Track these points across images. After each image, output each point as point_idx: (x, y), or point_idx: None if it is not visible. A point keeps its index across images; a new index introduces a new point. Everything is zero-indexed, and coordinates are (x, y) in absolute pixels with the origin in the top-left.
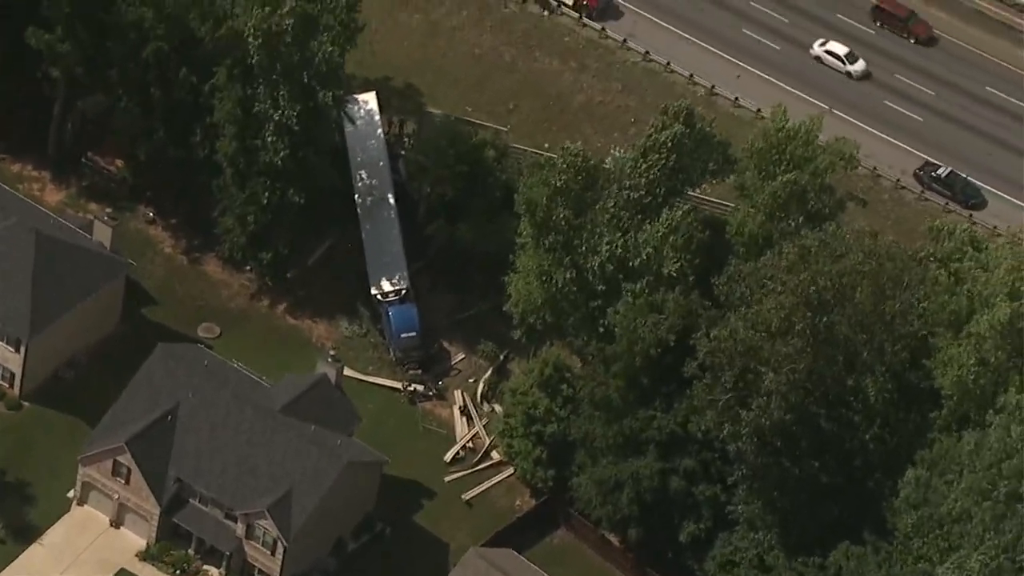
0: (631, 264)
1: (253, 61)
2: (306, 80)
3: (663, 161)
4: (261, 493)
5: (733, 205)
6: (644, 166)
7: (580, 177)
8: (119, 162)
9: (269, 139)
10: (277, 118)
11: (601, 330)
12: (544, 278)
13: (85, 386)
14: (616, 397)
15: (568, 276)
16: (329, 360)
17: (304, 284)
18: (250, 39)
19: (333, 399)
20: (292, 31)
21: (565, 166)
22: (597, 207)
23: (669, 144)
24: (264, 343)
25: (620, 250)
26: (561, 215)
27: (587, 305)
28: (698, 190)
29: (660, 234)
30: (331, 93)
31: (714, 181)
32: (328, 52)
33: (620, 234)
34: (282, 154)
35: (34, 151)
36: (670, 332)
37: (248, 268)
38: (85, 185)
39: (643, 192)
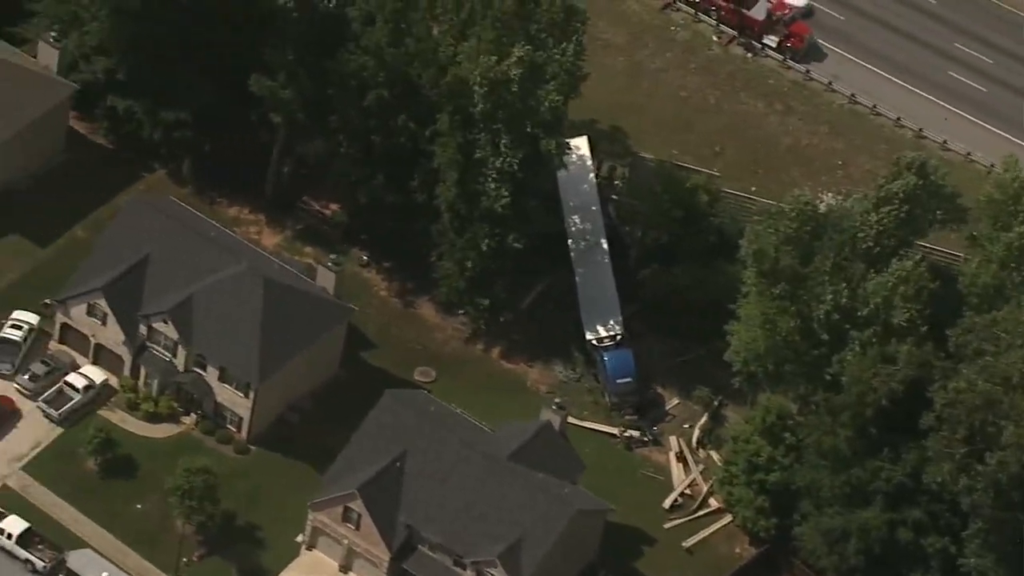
0: (858, 314)
1: (477, 108)
2: (529, 128)
3: (895, 213)
4: (491, 541)
5: (963, 255)
6: (875, 218)
7: (808, 226)
8: (334, 206)
9: (491, 185)
10: (499, 164)
11: (827, 379)
12: (768, 326)
13: (309, 430)
14: (844, 446)
15: (792, 324)
16: (553, 408)
17: (518, 328)
18: (475, 87)
19: (557, 446)
20: (519, 80)
21: (794, 214)
22: (821, 256)
23: (901, 195)
24: (480, 387)
25: (845, 299)
26: (788, 264)
27: (810, 353)
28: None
29: (890, 284)
30: (554, 141)
31: (942, 231)
32: (554, 100)
33: (845, 283)
34: (504, 200)
35: (250, 194)
36: (902, 383)
37: (462, 312)
38: (300, 228)
39: (872, 244)
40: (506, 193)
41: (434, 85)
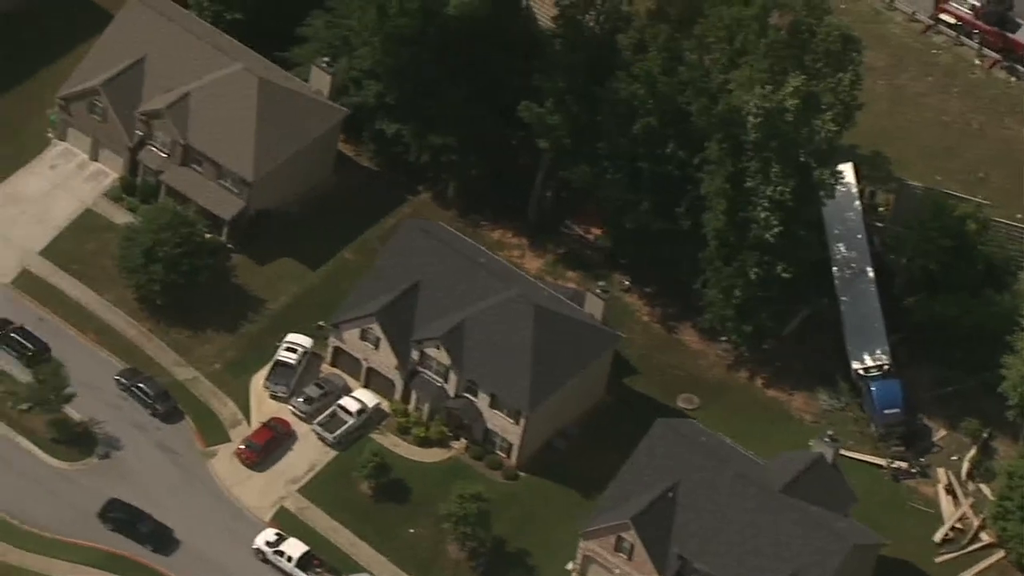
0: None
1: (749, 137)
2: (801, 157)
3: None
4: (765, 574)
5: None
6: None
7: None
8: (596, 230)
9: (761, 214)
10: (770, 193)
11: None
12: None
13: (576, 457)
14: None
15: None
16: (826, 440)
17: (780, 355)
18: (749, 116)
19: (830, 479)
20: (794, 110)
21: None
22: None
23: None
24: (744, 415)
25: None
26: None
27: None
28: None
29: None
30: (828, 171)
31: None
32: (829, 131)
33: None
34: (775, 230)
35: (513, 218)
36: None
37: (724, 338)
38: (562, 252)
39: None
40: (776, 222)
41: (705, 113)
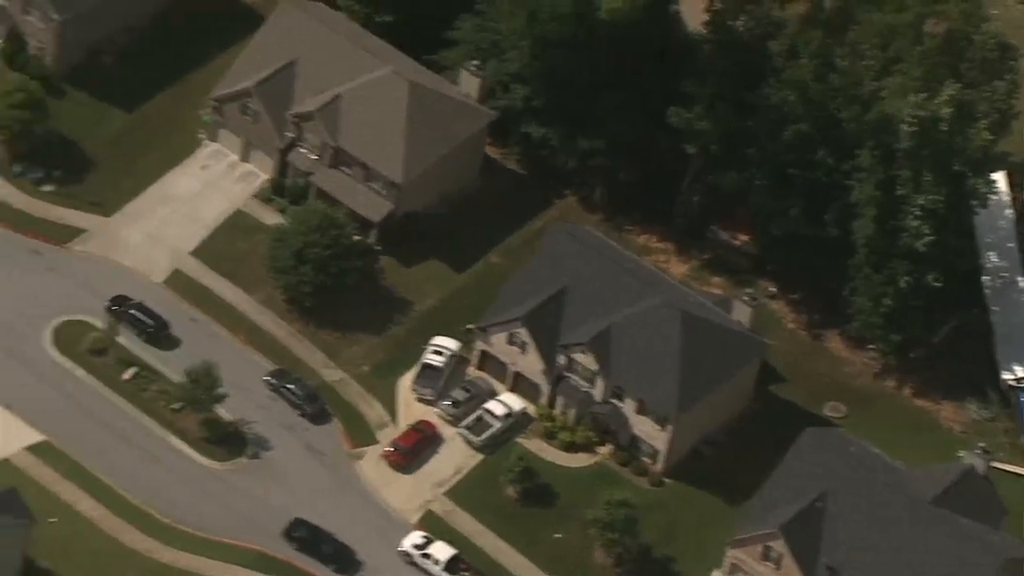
0: None
1: (902, 145)
2: (955, 166)
3: None
4: None
5: None
6: None
7: None
8: (743, 236)
9: (912, 222)
10: (922, 202)
11: None
12: None
13: (722, 464)
14: None
15: None
16: (978, 452)
17: (929, 364)
18: (903, 124)
19: (981, 491)
20: (949, 118)
21: None
22: None
23: None
24: (891, 424)
25: None
26: None
27: None
28: None
29: None
30: (982, 180)
31: None
32: (985, 139)
33: None
34: (926, 239)
35: (659, 222)
36: None
37: (872, 346)
38: (708, 258)
39: None
40: (928, 231)
41: (857, 121)
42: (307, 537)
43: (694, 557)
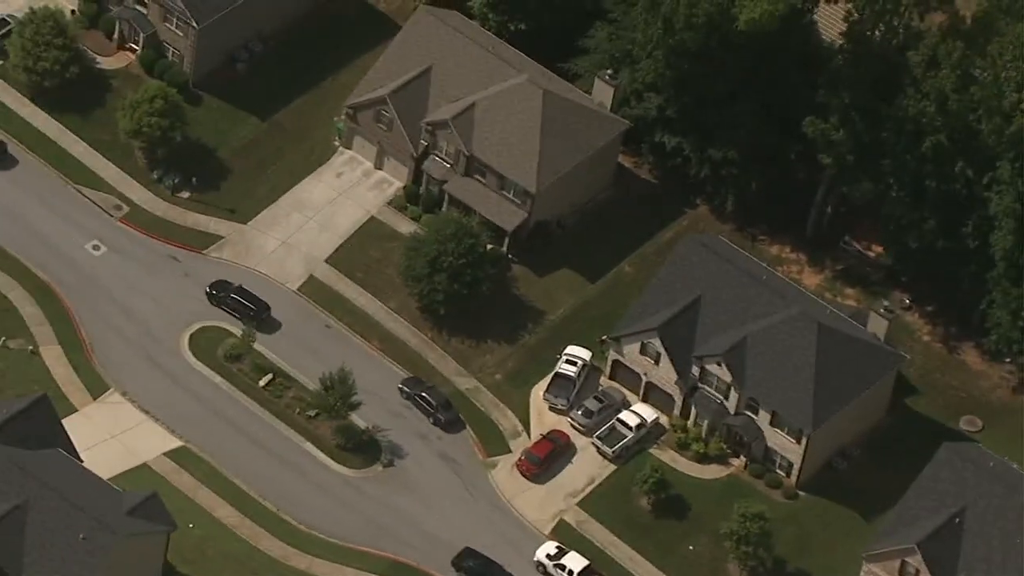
0: None
1: None
2: None
3: None
4: None
5: None
6: None
7: None
8: (877, 247)
9: None
10: None
11: None
12: None
13: (857, 477)
14: None
15: None
16: None
17: None
18: None
19: None
20: None
21: None
22: None
23: None
24: None
25: None
26: None
27: None
28: None
29: None
30: None
31: None
32: None
33: None
34: None
35: (791, 233)
36: None
37: (1008, 360)
38: (841, 269)
39: None
40: None
41: (997, 133)
42: (476, 567)
43: (828, 571)
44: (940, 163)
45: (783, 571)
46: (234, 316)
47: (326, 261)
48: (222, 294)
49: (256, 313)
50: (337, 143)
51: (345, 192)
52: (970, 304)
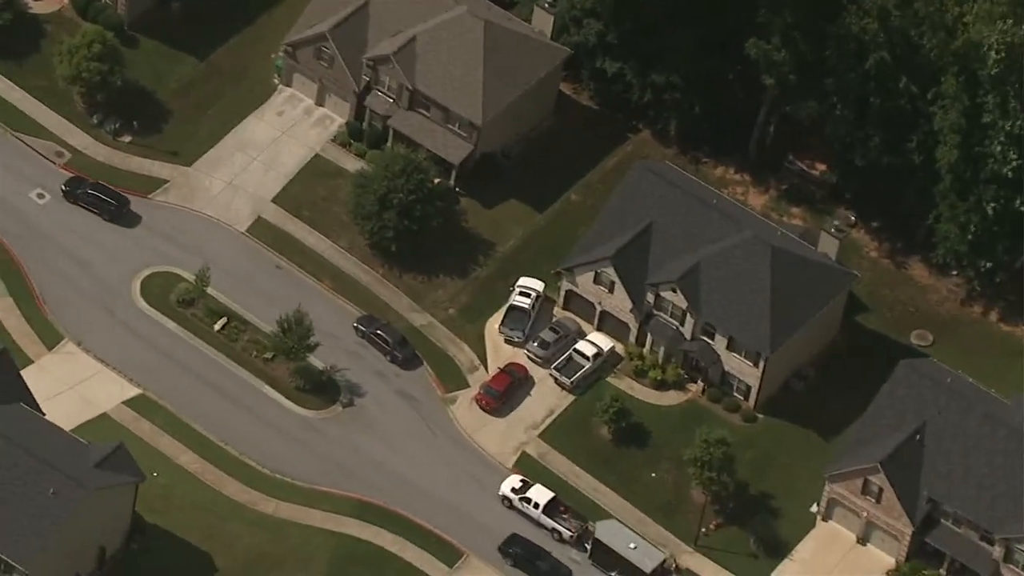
0: None
1: (988, 72)
2: None
3: None
4: (1020, 517)
5: None
6: None
7: None
8: (820, 165)
9: (998, 149)
10: (1008, 128)
11: None
12: None
13: (813, 398)
14: None
15: None
16: None
17: (1015, 289)
18: (991, 52)
19: None
20: None
21: None
22: None
23: None
24: (979, 351)
25: None
26: None
27: None
28: None
29: None
30: None
31: None
32: None
33: None
34: (1012, 164)
35: (734, 154)
36: None
37: (955, 272)
38: (785, 188)
39: None
40: (1015, 156)
41: (941, 48)
42: (523, 554)
43: (791, 492)
44: (884, 80)
45: (745, 494)
46: (92, 212)
47: (273, 201)
48: (78, 191)
49: (116, 208)
50: (277, 81)
51: (288, 131)
52: (915, 219)
